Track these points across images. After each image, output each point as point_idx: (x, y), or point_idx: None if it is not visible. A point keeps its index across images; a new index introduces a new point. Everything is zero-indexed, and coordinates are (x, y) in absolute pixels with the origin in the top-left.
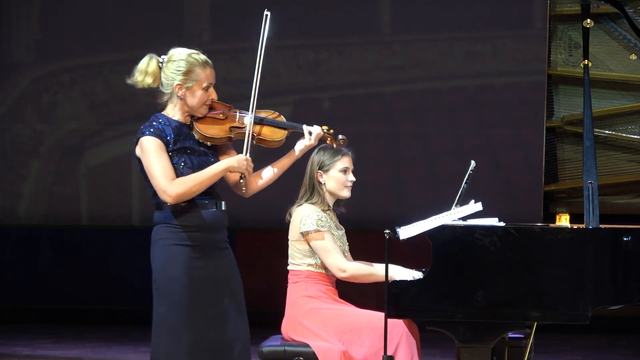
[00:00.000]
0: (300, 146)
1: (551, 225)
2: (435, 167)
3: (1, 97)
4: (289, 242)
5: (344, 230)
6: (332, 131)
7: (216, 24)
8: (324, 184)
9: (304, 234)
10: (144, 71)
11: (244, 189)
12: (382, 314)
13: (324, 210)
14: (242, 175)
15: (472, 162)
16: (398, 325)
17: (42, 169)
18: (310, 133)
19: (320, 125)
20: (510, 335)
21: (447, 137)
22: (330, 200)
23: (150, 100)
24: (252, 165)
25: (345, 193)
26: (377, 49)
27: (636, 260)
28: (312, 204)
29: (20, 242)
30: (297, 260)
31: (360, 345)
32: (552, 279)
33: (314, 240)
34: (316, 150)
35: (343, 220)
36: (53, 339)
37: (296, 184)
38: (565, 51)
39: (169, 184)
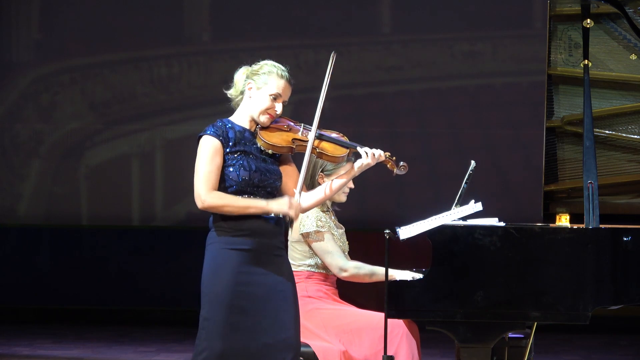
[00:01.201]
0: (358, 164)
1: (551, 225)
2: (435, 167)
3: (1, 97)
4: (289, 243)
5: (343, 229)
6: (394, 158)
7: (216, 24)
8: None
9: (304, 235)
10: (235, 81)
11: (290, 230)
12: (382, 314)
13: (323, 211)
14: (288, 219)
15: (472, 162)
16: (398, 326)
17: (42, 169)
18: (373, 155)
19: (384, 151)
20: (510, 335)
21: (447, 137)
22: (329, 201)
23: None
24: (299, 207)
25: (343, 198)
26: (377, 49)
27: (636, 260)
28: None
29: (20, 242)
30: (298, 261)
31: (360, 346)
32: (552, 279)
33: (314, 241)
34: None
35: (343, 220)
36: (53, 339)
37: None
38: (565, 51)
39: (207, 191)
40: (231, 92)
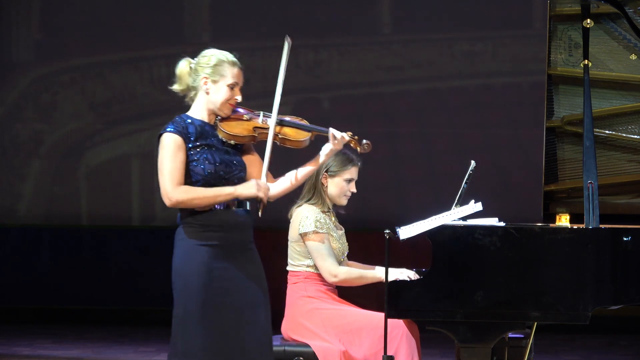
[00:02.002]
0: (325, 150)
1: (551, 225)
2: (435, 167)
3: (1, 97)
4: (289, 243)
5: (343, 231)
6: (356, 137)
7: (216, 24)
8: (326, 187)
9: (302, 235)
10: (177, 75)
11: (259, 213)
12: (382, 314)
13: (324, 212)
14: (258, 204)
15: (472, 162)
16: (398, 326)
17: (42, 169)
18: (334, 136)
19: (345, 131)
20: (510, 335)
21: (447, 137)
22: (330, 203)
23: (150, 100)
24: (267, 187)
25: (343, 202)
26: (377, 49)
27: (636, 260)
28: (312, 204)
29: (20, 242)
30: (296, 261)
31: (360, 346)
32: (552, 279)
33: (311, 240)
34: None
35: (343, 220)
36: (53, 339)
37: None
38: (565, 51)
39: (174, 188)
40: (176, 87)
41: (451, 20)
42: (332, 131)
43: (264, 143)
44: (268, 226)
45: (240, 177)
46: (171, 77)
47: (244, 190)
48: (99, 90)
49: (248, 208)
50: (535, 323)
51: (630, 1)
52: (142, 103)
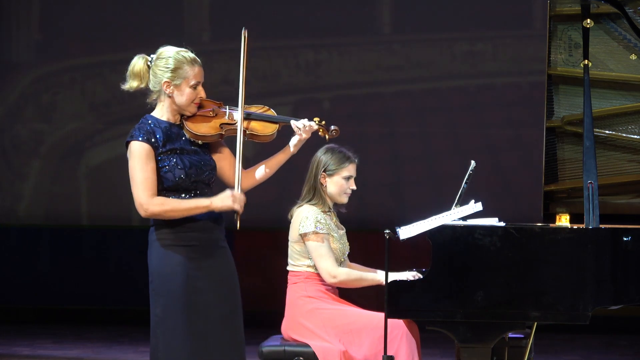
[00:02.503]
0: (294, 141)
1: (551, 225)
2: (435, 167)
3: (1, 97)
4: (289, 243)
5: (344, 231)
6: (323, 122)
7: (216, 24)
8: (325, 186)
9: (303, 235)
10: (133, 73)
11: (237, 225)
12: (382, 314)
13: (324, 212)
14: (235, 215)
15: (472, 162)
16: (398, 326)
17: (42, 169)
18: (300, 127)
19: (312, 118)
20: (510, 335)
21: (447, 137)
22: (330, 202)
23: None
24: (242, 198)
25: (344, 200)
26: (377, 49)
27: (636, 260)
28: (313, 205)
29: (20, 242)
30: (296, 261)
31: (360, 346)
32: (552, 279)
33: (311, 241)
34: (324, 150)
35: (343, 220)
36: (53, 339)
37: (295, 183)
38: (565, 51)
39: (148, 199)
40: (133, 85)
41: (451, 20)
42: (297, 122)
43: (232, 137)
44: (268, 226)
45: (211, 176)
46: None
47: (220, 202)
48: (99, 90)
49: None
50: (535, 323)
51: (630, 1)
52: (142, 103)
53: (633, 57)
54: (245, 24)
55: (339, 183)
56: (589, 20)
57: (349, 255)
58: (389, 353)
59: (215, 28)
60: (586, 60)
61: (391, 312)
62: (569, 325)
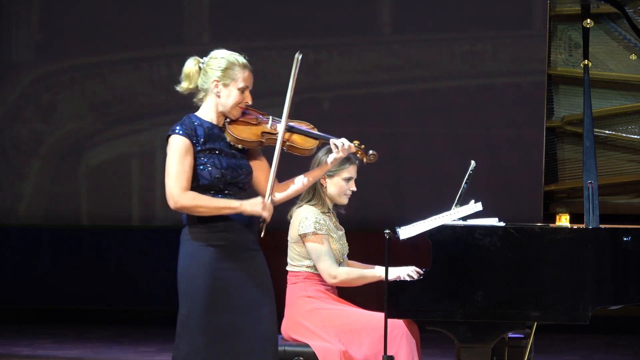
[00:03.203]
0: (330, 158)
1: (551, 225)
2: (435, 167)
3: (1, 97)
4: (288, 244)
5: (343, 231)
6: (363, 146)
7: (216, 24)
8: (326, 187)
9: (302, 236)
10: (185, 74)
11: (262, 233)
12: (382, 314)
13: (323, 212)
14: (261, 223)
15: (472, 162)
16: (398, 326)
17: (42, 169)
18: (338, 145)
19: (352, 140)
20: (510, 335)
21: (447, 137)
22: (330, 203)
23: (150, 100)
24: (271, 208)
25: (344, 201)
26: (377, 49)
27: (636, 260)
28: (312, 205)
29: (20, 242)
30: (296, 261)
31: (360, 346)
32: (552, 279)
33: (310, 242)
34: (324, 151)
35: (343, 220)
36: (53, 339)
37: None
38: (565, 51)
39: (180, 192)
40: (184, 87)
41: (451, 20)
42: (338, 141)
43: (271, 147)
44: (268, 226)
45: (246, 181)
46: (172, 77)
47: (250, 207)
48: (99, 90)
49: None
50: (535, 323)
51: (630, 1)
52: (142, 103)
53: (633, 57)
54: (245, 24)
55: (339, 184)
56: (589, 20)
57: (348, 255)
58: (389, 353)
59: (215, 28)
60: (586, 60)
61: (391, 312)
62: (569, 325)
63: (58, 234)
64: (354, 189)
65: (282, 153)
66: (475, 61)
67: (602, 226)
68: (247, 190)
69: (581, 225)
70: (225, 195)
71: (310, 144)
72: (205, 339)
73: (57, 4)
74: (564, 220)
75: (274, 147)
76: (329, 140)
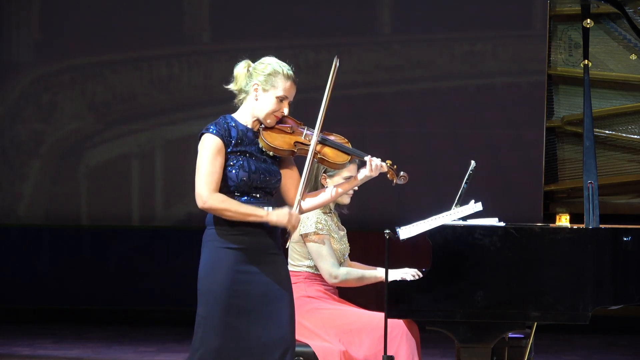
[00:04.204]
0: (361, 175)
1: (551, 225)
2: (435, 167)
3: (1, 97)
4: (289, 243)
5: (345, 232)
6: (395, 167)
7: (216, 24)
8: (327, 188)
9: (303, 236)
10: (234, 74)
11: (288, 242)
12: (382, 314)
13: (325, 212)
14: (287, 234)
15: (472, 162)
16: (398, 326)
17: (42, 169)
18: (372, 165)
19: (385, 159)
20: (510, 335)
21: (447, 137)
22: (332, 203)
23: (150, 100)
24: (298, 219)
25: (346, 200)
26: (377, 49)
27: (636, 260)
28: None
29: (20, 242)
30: (297, 261)
31: (360, 346)
32: (552, 279)
33: (311, 242)
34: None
35: (343, 220)
36: (53, 339)
37: None
38: (565, 51)
39: (209, 193)
40: (232, 87)
41: (451, 20)
42: (371, 159)
43: (303, 158)
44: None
45: (274, 187)
46: (172, 77)
47: (275, 217)
48: (99, 90)
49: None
50: (535, 323)
51: (630, 1)
52: (142, 103)
53: (633, 57)
54: (245, 24)
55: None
56: (589, 20)
57: (348, 255)
58: (389, 353)
59: (215, 28)
60: (586, 60)
61: (391, 312)
62: (569, 325)
63: (58, 234)
64: (356, 188)
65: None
66: (475, 61)
67: (602, 226)
68: (274, 195)
69: (581, 225)
70: (250, 198)
71: (342, 158)
72: (221, 341)
73: (57, 4)
74: (564, 220)
75: (306, 157)
76: (362, 157)
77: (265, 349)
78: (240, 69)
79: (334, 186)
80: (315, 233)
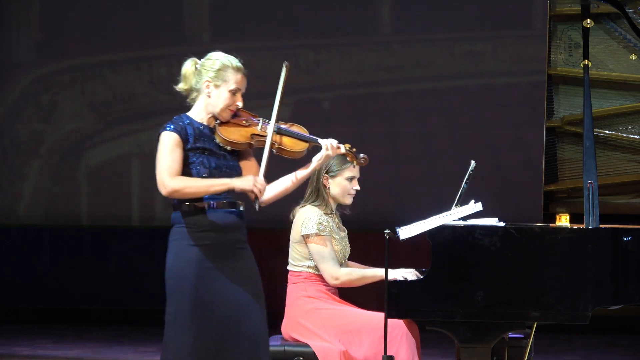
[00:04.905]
0: (318, 157)
1: (551, 225)
2: (435, 167)
3: (1, 97)
4: (290, 243)
5: (346, 232)
6: (354, 149)
7: (216, 24)
8: (329, 188)
9: (304, 237)
10: (182, 74)
11: (256, 208)
12: (382, 314)
13: (326, 213)
14: (254, 197)
15: (472, 162)
16: (398, 326)
17: (42, 169)
18: (328, 145)
19: (344, 143)
20: (510, 335)
21: (447, 137)
22: (333, 204)
23: (150, 100)
24: (263, 185)
25: (348, 201)
26: (377, 49)
27: (636, 260)
28: (316, 206)
29: (20, 242)
30: (297, 261)
31: (360, 346)
32: (552, 279)
33: (313, 243)
34: (337, 158)
35: (343, 220)
36: (53, 339)
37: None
38: (565, 51)
39: (170, 177)
40: (181, 87)
41: (451, 20)
42: (328, 143)
43: (261, 149)
44: (269, 226)
45: None
46: (171, 77)
47: (240, 183)
48: (99, 90)
49: (242, 209)
50: (535, 323)
51: (630, 1)
52: (142, 103)
53: (633, 57)
54: (245, 24)
55: (342, 184)
56: (589, 20)
57: (349, 256)
58: (389, 353)
59: (215, 28)
60: (586, 60)
61: (391, 312)
62: (569, 325)
63: (58, 234)
64: (358, 188)
65: (276, 156)
66: (475, 61)
67: (602, 226)
68: (235, 193)
69: (581, 225)
70: (213, 195)
71: (300, 146)
72: (194, 337)
73: (57, 4)
74: (564, 220)
75: (264, 148)
76: (318, 144)
77: (239, 344)
78: (188, 67)
79: (292, 174)
80: (317, 234)
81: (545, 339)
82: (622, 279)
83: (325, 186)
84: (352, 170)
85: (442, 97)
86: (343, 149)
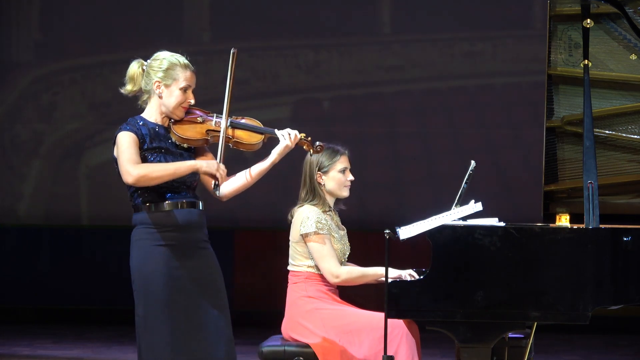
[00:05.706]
0: (277, 149)
1: (551, 225)
2: (435, 167)
3: (1, 97)
4: (290, 243)
5: (345, 231)
6: (309, 138)
7: (216, 24)
8: (324, 185)
9: (304, 236)
10: (129, 77)
11: (218, 193)
12: (382, 315)
13: (325, 212)
14: (216, 182)
15: (472, 162)
16: (398, 326)
17: (42, 169)
18: (285, 135)
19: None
20: (510, 335)
21: (447, 137)
22: (331, 201)
23: None
24: (224, 170)
25: (345, 193)
26: (377, 49)
27: (636, 260)
28: (313, 205)
29: (20, 242)
30: (297, 261)
31: (360, 346)
32: (552, 279)
33: (312, 241)
34: (324, 155)
35: (343, 220)
36: (53, 339)
37: (295, 183)
38: (565, 51)
39: (134, 166)
40: (128, 89)
41: (451, 20)
42: (285, 133)
43: (218, 145)
44: (268, 226)
45: (195, 179)
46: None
47: (205, 165)
48: (99, 90)
49: (201, 208)
50: (535, 323)
51: (630, 1)
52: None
53: (633, 57)
54: (245, 24)
55: (336, 177)
56: (589, 20)
57: (348, 256)
58: (389, 353)
59: (215, 28)
60: (586, 60)
61: (391, 312)
62: (569, 325)
63: (58, 234)
64: (352, 178)
65: (235, 151)
66: (475, 61)
67: (602, 226)
68: (195, 188)
69: (581, 225)
70: (174, 194)
71: (255, 139)
72: (166, 337)
73: (57, 4)
74: (564, 220)
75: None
76: (273, 135)
77: (208, 342)
78: (135, 69)
79: (248, 169)
80: (316, 233)
81: (545, 339)
82: (622, 279)
83: (320, 183)
84: (343, 162)
85: (442, 97)
86: (298, 135)
